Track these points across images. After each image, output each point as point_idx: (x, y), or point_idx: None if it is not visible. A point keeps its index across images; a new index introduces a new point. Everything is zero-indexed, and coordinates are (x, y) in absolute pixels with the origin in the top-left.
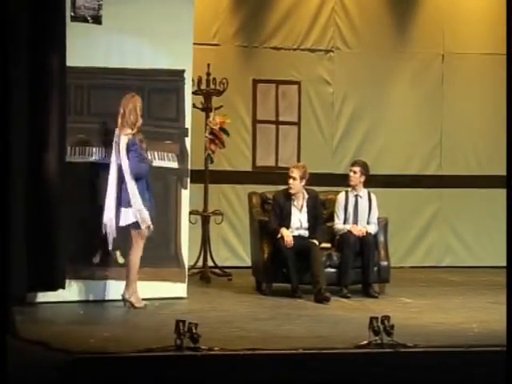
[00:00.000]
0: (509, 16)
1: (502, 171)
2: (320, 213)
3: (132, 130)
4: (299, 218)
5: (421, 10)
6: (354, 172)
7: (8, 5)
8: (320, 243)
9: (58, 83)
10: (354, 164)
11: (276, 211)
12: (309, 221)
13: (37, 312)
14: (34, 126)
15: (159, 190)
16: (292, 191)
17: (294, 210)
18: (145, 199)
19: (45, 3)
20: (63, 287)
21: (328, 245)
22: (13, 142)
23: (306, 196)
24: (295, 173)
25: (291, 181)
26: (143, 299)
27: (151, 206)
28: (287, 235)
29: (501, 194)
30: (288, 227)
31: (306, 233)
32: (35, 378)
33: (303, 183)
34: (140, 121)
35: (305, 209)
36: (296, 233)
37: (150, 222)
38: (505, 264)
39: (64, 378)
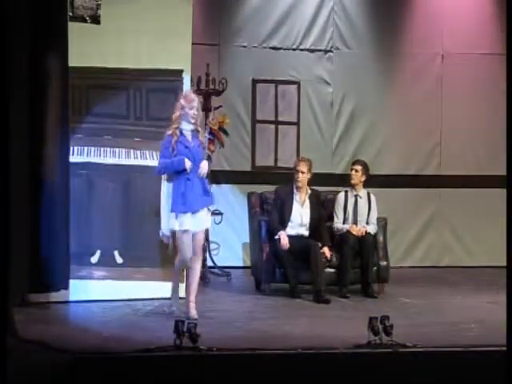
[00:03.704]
0: (509, 16)
1: (501, 171)
2: (323, 213)
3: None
4: (300, 213)
5: (420, 10)
6: (356, 170)
7: (8, 4)
8: (323, 246)
9: (59, 83)
10: (355, 163)
11: (277, 205)
12: (311, 219)
13: (37, 312)
14: (36, 125)
15: (157, 189)
16: (300, 184)
17: (295, 205)
18: (182, 203)
19: (46, 2)
20: (66, 288)
21: (329, 253)
22: (14, 142)
23: (309, 191)
24: (303, 166)
25: (300, 175)
26: (142, 299)
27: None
28: (283, 238)
29: (500, 193)
30: (288, 221)
31: (306, 232)
32: (35, 378)
33: (309, 176)
34: (173, 116)
35: (307, 203)
36: (296, 230)
37: (167, 233)
38: (504, 264)
39: (64, 377)
